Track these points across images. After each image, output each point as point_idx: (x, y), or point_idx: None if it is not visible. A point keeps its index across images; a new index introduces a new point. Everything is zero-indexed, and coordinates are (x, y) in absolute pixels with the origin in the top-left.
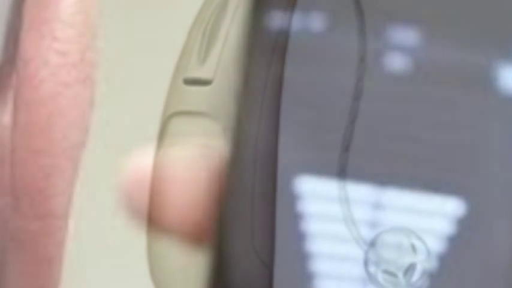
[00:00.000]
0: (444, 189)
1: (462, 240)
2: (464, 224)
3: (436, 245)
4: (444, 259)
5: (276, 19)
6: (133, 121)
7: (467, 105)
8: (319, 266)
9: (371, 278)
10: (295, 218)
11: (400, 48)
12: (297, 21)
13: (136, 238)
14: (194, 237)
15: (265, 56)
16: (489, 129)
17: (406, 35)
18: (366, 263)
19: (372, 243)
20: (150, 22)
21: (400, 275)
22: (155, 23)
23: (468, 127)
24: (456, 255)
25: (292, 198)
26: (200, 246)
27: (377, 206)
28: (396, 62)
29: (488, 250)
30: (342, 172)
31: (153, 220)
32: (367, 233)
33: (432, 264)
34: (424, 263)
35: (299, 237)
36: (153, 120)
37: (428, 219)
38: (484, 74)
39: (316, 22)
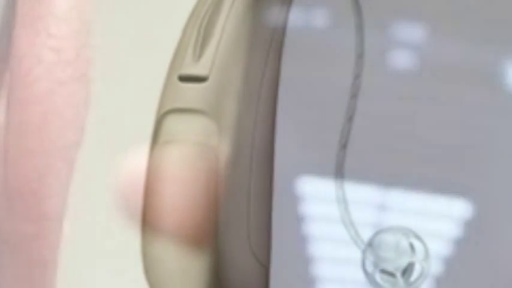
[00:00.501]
0: (449, 190)
1: (469, 243)
2: (470, 226)
3: (441, 247)
4: (450, 262)
5: (273, 15)
6: (128, 120)
7: (474, 103)
8: (316, 265)
9: (369, 278)
10: (292, 217)
11: (400, 45)
12: (294, 18)
13: (133, 240)
14: (191, 238)
15: (262, 52)
16: (496, 128)
17: (406, 32)
18: (363, 263)
19: (370, 243)
20: (145, 18)
21: (399, 274)
22: (150, 19)
23: (474, 126)
24: (463, 259)
25: (289, 197)
26: (197, 248)
27: (375, 205)
28: (396, 59)
29: (496, 253)
30: (340, 171)
31: (149, 222)
32: (364, 233)
33: (438, 267)
34: (422, 262)
35: (296, 237)
36: (149, 119)
37: (431, 220)
38: (491, 71)
39: (313, 18)
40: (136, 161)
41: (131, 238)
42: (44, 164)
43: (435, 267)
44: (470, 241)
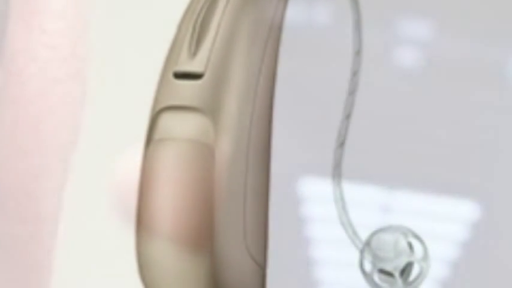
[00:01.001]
0: (450, 189)
1: (473, 244)
2: (474, 227)
3: (443, 249)
4: (454, 264)
5: (270, 11)
6: (123, 118)
7: (480, 102)
8: (313, 265)
9: (367, 277)
10: (289, 217)
11: (399, 42)
12: (291, 14)
13: (127, 240)
14: (187, 238)
15: (258, 49)
16: (504, 127)
17: (404, 29)
18: (361, 263)
19: (368, 243)
20: (140, 14)
21: (397, 274)
22: (145, 15)
23: (481, 125)
24: (468, 261)
25: (286, 196)
26: (193, 248)
27: (374, 204)
28: (395, 57)
29: (502, 255)
30: (337, 169)
31: (144, 222)
32: (362, 232)
33: (444, 270)
34: (421, 262)
35: (292, 237)
36: (144, 117)
37: (431, 220)
38: (494, 69)
39: (311, 15)
40: (131, 160)
41: (126, 238)
42: (39, 164)
43: (448, 273)
44: (475, 242)
